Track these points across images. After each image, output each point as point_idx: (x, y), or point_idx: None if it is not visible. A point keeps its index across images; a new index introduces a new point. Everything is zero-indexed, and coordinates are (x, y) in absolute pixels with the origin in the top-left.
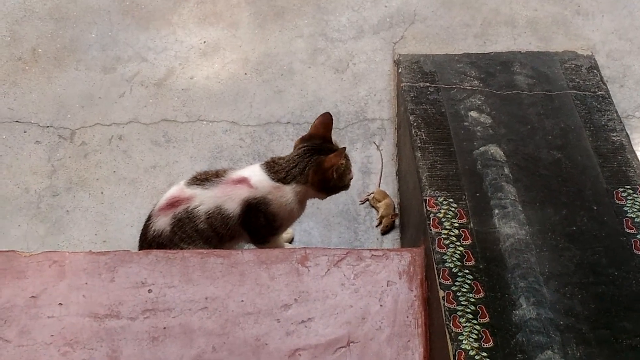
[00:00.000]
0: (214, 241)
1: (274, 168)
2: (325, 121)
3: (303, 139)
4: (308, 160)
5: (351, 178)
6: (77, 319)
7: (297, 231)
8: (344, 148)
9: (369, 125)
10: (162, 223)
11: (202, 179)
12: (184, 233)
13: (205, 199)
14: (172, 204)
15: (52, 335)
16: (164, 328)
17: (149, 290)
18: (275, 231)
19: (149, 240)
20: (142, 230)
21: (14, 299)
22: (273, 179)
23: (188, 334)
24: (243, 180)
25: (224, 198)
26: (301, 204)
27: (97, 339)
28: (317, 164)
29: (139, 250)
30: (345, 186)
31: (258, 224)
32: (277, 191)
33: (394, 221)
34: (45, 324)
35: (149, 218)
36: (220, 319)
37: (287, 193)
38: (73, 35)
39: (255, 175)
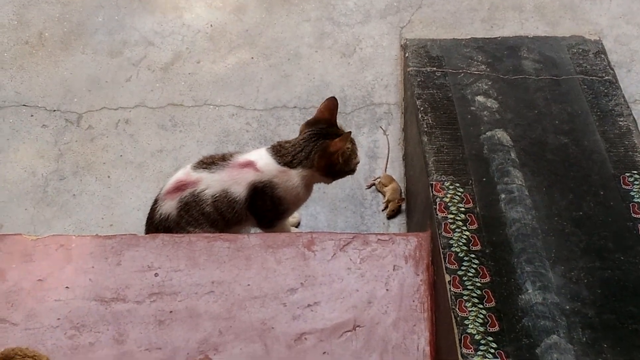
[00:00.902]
0: (220, 225)
1: (280, 152)
2: (331, 105)
3: (308, 124)
4: (314, 144)
5: (357, 162)
6: (84, 303)
7: (304, 215)
8: (350, 132)
9: (375, 109)
10: (169, 207)
11: (208, 163)
12: (190, 217)
13: (211, 183)
14: (179, 187)
15: (59, 319)
16: (171, 312)
17: (156, 274)
18: (281, 215)
19: (156, 224)
20: (149, 214)
21: (21, 283)
22: (279, 163)
23: (194, 317)
24: (249, 164)
25: (231, 182)
26: (307, 188)
27: (103, 323)
28: (323, 148)
29: (146, 234)
30: (351, 170)
31: (264, 208)
32: (283, 175)
33: (400, 206)
34: (51, 308)
35: (155, 202)
36: (227, 303)
37: (293, 177)
38: (80, 19)
39: (262, 158)
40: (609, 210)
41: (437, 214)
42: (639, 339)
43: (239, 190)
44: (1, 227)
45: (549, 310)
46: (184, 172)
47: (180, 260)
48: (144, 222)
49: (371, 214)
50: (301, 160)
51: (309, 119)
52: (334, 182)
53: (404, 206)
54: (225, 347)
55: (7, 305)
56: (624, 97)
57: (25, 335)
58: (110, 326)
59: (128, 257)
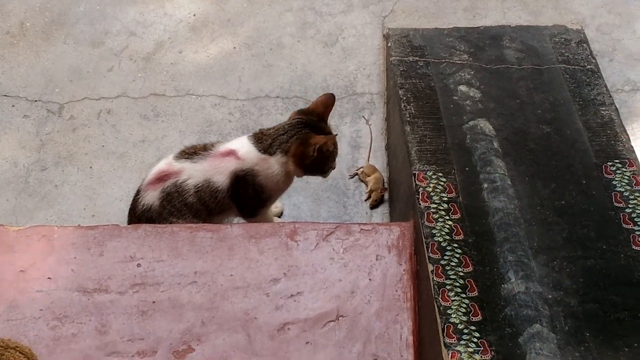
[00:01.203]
0: (203, 215)
1: (261, 139)
2: (327, 101)
3: (300, 112)
4: (297, 131)
5: (332, 168)
6: (66, 293)
7: (287, 205)
8: (335, 135)
9: (358, 99)
10: (151, 197)
11: (190, 153)
12: (173, 207)
13: (194, 173)
14: (161, 178)
15: (41, 310)
16: (153, 302)
17: (138, 264)
18: (263, 203)
19: (138, 215)
20: (131, 204)
21: (3, 274)
22: (259, 150)
23: (177, 308)
24: (231, 153)
25: (213, 171)
26: (287, 176)
27: (86, 313)
28: (304, 137)
29: (128, 224)
30: (323, 172)
31: (246, 196)
32: (264, 162)
33: (383, 195)
34: (34, 298)
35: (137, 193)
36: (209, 293)
37: (273, 164)
38: (61, 8)
39: (243, 147)
40: (591, 199)
41: (419, 204)
42: (621, 327)
43: (221, 179)
44: None
45: (531, 299)
46: (166, 163)
47: (163, 250)
48: (127, 213)
49: (354, 204)
50: (280, 144)
51: (294, 108)
52: None
53: (386, 196)
54: (208, 338)
55: None
56: (606, 86)
57: (7, 327)
58: (92, 317)
59: (110, 248)
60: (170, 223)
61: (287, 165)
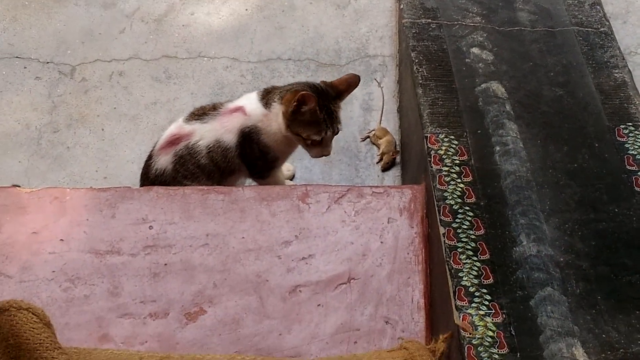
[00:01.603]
0: (216, 176)
1: (268, 94)
2: (351, 81)
3: (322, 81)
4: (300, 86)
5: (314, 141)
6: (78, 255)
7: (298, 168)
8: (335, 108)
9: (370, 61)
10: (164, 162)
11: (200, 114)
12: (186, 170)
13: (205, 133)
14: (173, 141)
15: (54, 271)
16: (165, 264)
17: (150, 226)
18: (271, 164)
19: (152, 180)
20: (144, 169)
21: (15, 235)
22: (264, 106)
23: (189, 270)
24: (239, 109)
25: (222, 130)
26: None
27: (98, 275)
28: (299, 90)
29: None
30: (302, 138)
31: (253, 156)
32: (266, 119)
33: (394, 158)
34: (46, 260)
35: (149, 157)
36: (221, 256)
37: (272, 119)
38: None
39: (251, 102)
40: (604, 162)
41: (431, 167)
42: (632, 290)
43: (230, 137)
44: None
45: (543, 262)
46: (177, 126)
47: (175, 212)
48: (139, 175)
49: (366, 167)
50: (281, 97)
51: (313, 69)
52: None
53: (398, 159)
54: (220, 300)
55: (2, 257)
56: (619, 48)
57: (20, 288)
58: (104, 279)
59: (122, 210)
60: (184, 186)
61: (279, 117)
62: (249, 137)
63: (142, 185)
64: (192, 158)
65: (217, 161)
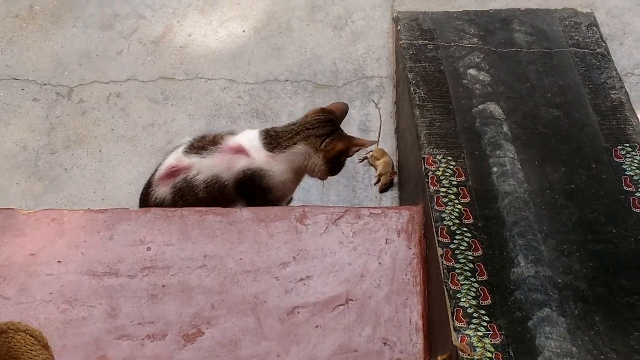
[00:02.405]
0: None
1: (272, 137)
2: (343, 108)
3: (325, 110)
4: (331, 128)
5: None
6: (76, 277)
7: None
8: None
9: (367, 83)
10: (163, 192)
11: (199, 147)
12: (185, 202)
13: (202, 168)
14: (171, 173)
15: (51, 293)
16: (163, 286)
17: (148, 248)
18: (269, 203)
19: (152, 207)
20: (142, 196)
21: (13, 257)
22: (268, 150)
23: (187, 291)
24: (240, 150)
25: (221, 167)
26: (298, 173)
27: (96, 297)
28: (345, 136)
29: None
30: (338, 172)
31: (253, 195)
32: (272, 161)
33: (392, 179)
34: (44, 282)
35: (148, 185)
36: (219, 277)
37: (280, 163)
38: None
39: (252, 144)
40: (601, 183)
41: (429, 188)
42: (630, 311)
43: (229, 175)
44: None
45: (541, 283)
46: (176, 157)
47: (173, 234)
48: (136, 196)
49: (363, 188)
50: (308, 137)
51: (310, 91)
52: None
53: (396, 180)
54: (218, 321)
55: (0, 279)
56: (616, 69)
57: (17, 310)
58: (102, 300)
59: (120, 231)
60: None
61: (312, 158)
62: (251, 178)
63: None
64: (191, 191)
65: (215, 195)
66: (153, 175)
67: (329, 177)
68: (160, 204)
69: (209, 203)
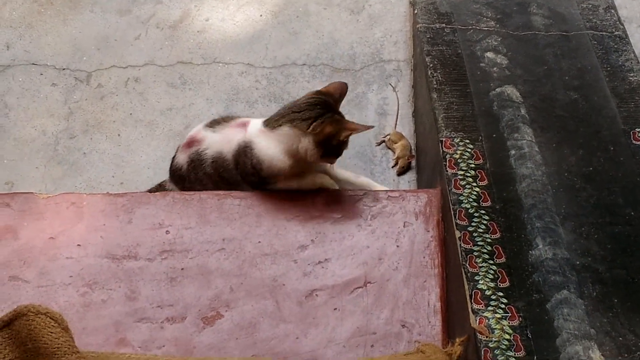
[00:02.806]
0: (223, 187)
1: (272, 116)
2: (342, 89)
3: (319, 92)
4: (320, 111)
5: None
6: (96, 260)
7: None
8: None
9: (385, 66)
10: (182, 160)
11: (216, 123)
12: (196, 175)
13: (211, 143)
14: (189, 143)
15: (71, 276)
16: (182, 269)
17: (167, 231)
18: (265, 183)
19: (173, 170)
20: (172, 159)
21: (33, 241)
22: (264, 124)
23: (205, 275)
24: (244, 125)
25: (225, 142)
26: (288, 155)
27: (115, 280)
28: (338, 120)
29: (169, 177)
30: (338, 155)
31: (246, 171)
32: (262, 135)
33: (410, 162)
34: (63, 265)
35: (177, 149)
36: (238, 260)
37: (272, 139)
38: None
39: (255, 120)
40: (619, 165)
41: (447, 171)
42: None
43: (228, 150)
44: (12, 186)
45: (559, 265)
46: (197, 129)
47: (191, 217)
48: (155, 180)
49: (381, 171)
50: (293, 120)
51: (327, 75)
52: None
53: (413, 163)
54: (236, 304)
55: (20, 263)
56: (634, 52)
57: (37, 293)
58: (122, 283)
59: (139, 215)
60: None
61: (301, 141)
62: (243, 151)
63: (169, 172)
64: (200, 165)
65: (220, 172)
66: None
67: (345, 161)
68: (179, 169)
69: (216, 181)
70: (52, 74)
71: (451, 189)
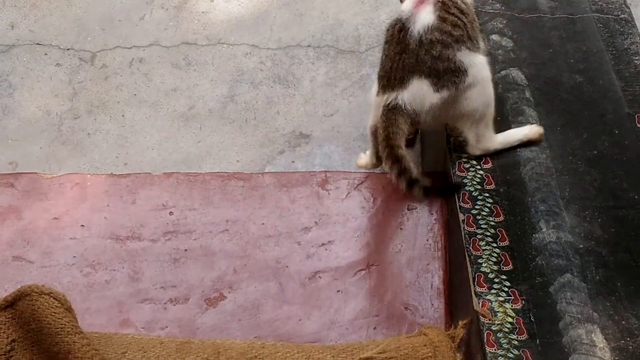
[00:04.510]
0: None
1: None
2: None
3: None
4: None
5: None
6: (99, 241)
7: (317, 155)
8: None
9: None
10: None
11: None
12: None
13: None
14: None
15: (74, 257)
16: (185, 250)
17: (170, 212)
18: None
19: (414, 51)
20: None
21: (37, 221)
22: None
23: (209, 256)
24: None
25: None
26: None
27: (118, 261)
28: None
29: None
30: None
31: None
32: None
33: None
34: (67, 246)
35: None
36: (241, 242)
37: None
38: None
39: None
40: (624, 149)
41: (451, 154)
42: None
43: None
44: (17, 166)
45: (562, 249)
46: None
47: (195, 199)
48: (159, 161)
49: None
50: None
51: (333, 57)
52: (348, 120)
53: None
54: (240, 285)
55: (24, 243)
56: (639, 35)
57: (41, 273)
58: (125, 264)
59: (143, 196)
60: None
61: None
62: None
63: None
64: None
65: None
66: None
67: (350, 142)
68: (427, 32)
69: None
70: (56, 54)
71: (455, 172)
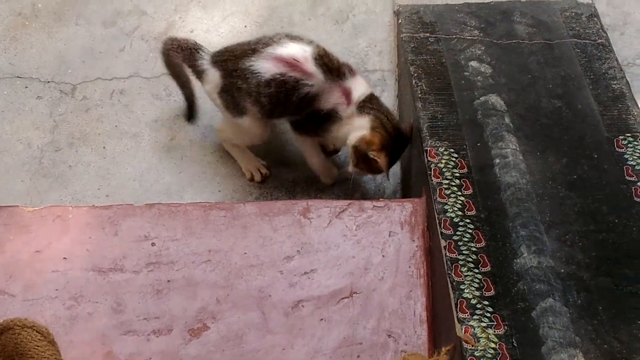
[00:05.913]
0: None
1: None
2: None
3: None
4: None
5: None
6: (82, 273)
7: (299, 182)
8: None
9: (369, 76)
10: None
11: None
12: None
13: None
14: None
15: (57, 290)
16: (168, 281)
17: (152, 243)
18: None
19: None
20: None
21: (18, 254)
22: None
23: (192, 286)
24: None
25: None
26: None
27: (101, 293)
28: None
29: None
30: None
31: None
32: None
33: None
34: (49, 279)
35: None
36: (224, 272)
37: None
38: None
39: None
40: (603, 173)
41: (431, 180)
42: (634, 300)
43: None
44: None
45: (544, 273)
46: None
47: (177, 229)
48: (140, 192)
49: (367, 180)
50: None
51: None
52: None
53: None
54: (223, 315)
55: (6, 276)
56: (617, 60)
57: (24, 307)
58: (108, 296)
59: (125, 227)
60: None
61: None
62: None
63: None
64: None
65: None
66: None
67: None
68: None
69: None
70: (37, 87)
71: (436, 198)
